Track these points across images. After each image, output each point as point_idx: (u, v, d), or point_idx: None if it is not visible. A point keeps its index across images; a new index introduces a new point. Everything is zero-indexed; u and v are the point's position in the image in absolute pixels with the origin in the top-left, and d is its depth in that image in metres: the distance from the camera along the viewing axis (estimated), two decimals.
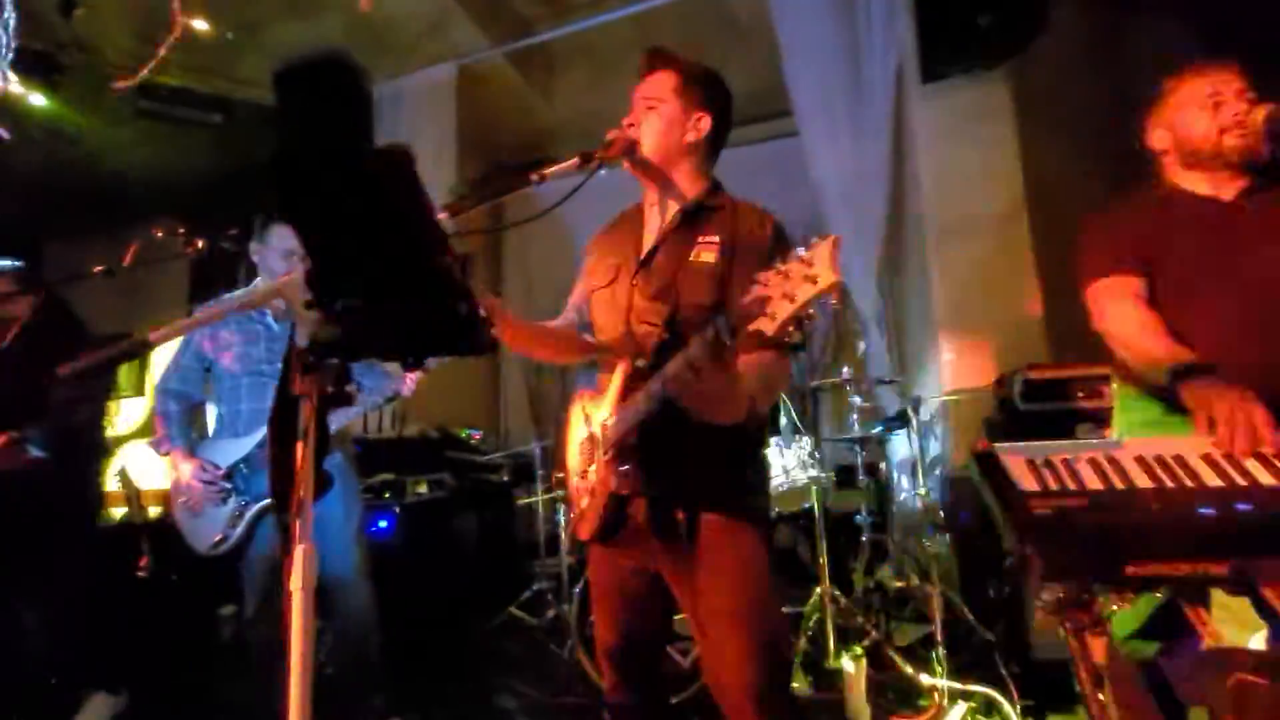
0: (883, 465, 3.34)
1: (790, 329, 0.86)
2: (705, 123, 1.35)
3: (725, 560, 1.21)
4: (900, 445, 3.49)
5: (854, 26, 3.17)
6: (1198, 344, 1.31)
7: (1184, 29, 3.32)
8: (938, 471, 3.04)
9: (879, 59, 3.13)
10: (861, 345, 3.34)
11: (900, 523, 3.13)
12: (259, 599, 2.02)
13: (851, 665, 2.30)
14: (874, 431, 3.08)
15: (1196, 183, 1.45)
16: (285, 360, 0.91)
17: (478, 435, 4.58)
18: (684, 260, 1.27)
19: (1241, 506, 1.00)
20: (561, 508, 3.36)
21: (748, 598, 1.20)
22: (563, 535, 3.30)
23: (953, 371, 2.96)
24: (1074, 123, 3.15)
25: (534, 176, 1.15)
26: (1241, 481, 1.05)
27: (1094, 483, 1.12)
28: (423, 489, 3.81)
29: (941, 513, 2.82)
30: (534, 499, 3.68)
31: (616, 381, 1.25)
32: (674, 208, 1.35)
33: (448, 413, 4.40)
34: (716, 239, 1.26)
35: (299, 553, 0.84)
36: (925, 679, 2.32)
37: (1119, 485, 1.10)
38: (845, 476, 3.26)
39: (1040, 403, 2.33)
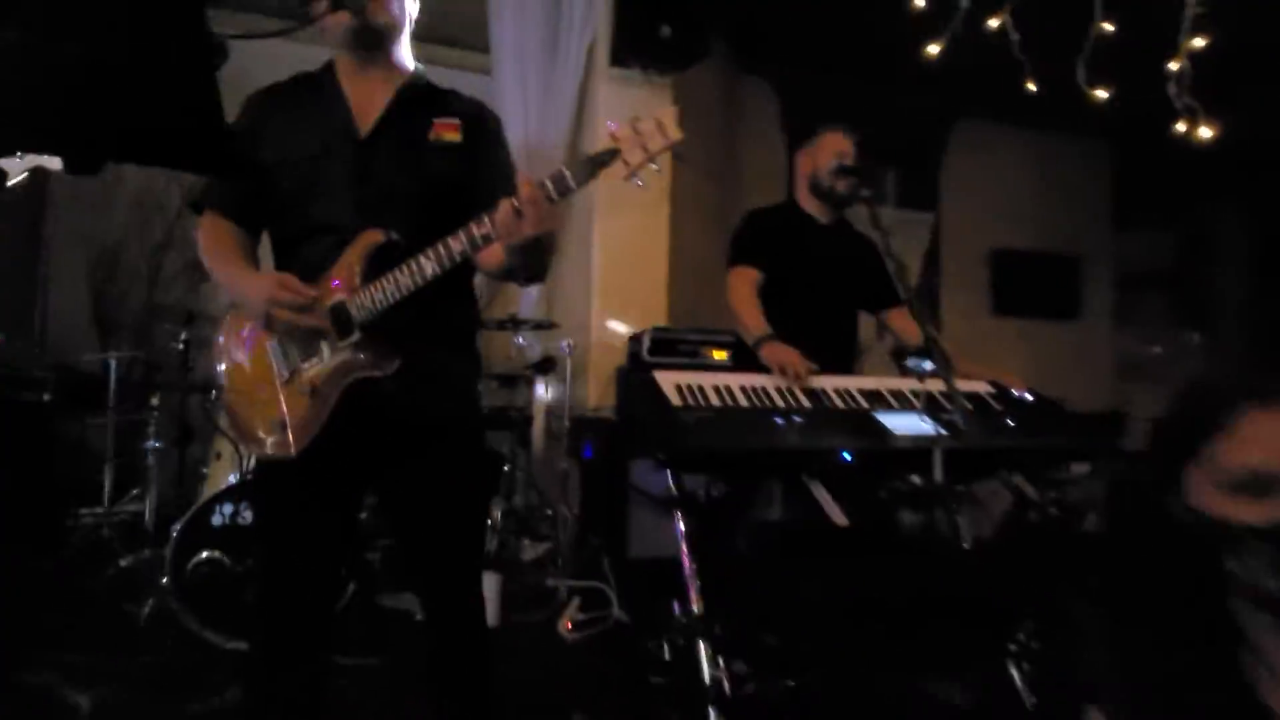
0: (527, 404, 3.64)
1: (638, 173, 1.04)
2: (417, 2, 1.34)
3: (461, 450, 1.27)
4: (539, 387, 3.87)
5: None
6: (784, 317, 1.88)
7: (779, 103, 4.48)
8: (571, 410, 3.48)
9: (576, 31, 3.35)
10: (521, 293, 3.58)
11: (538, 455, 3.48)
12: None
13: (486, 577, 2.53)
14: (525, 371, 3.38)
15: (812, 207, 2.08)
16: None
17: None
18: (423, 137, 1.26)
19: (796, 418, 1.50)
20: (154, 436, 2.73)
21: (475, 487, 1.31)
22: (151, 465, 2.70)
23: (597, 326, 3.43)
24: (708, 141, 3.93)
25: None
26: (794, 403, 1.57)
27: (715, 400, 1.52)
28: None
29: (570, 444, 3.27)
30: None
31: (353, 260, 1.16)
32: (391, 84, 1.30)
33: None
34: (456, 121, 1.29)
35: None
36: (549, 582, 2.71)
37: (731, 404, 1.53)
38: (493, 414, 3.46)
39: (662, 356, 2.90)
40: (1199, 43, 1.60)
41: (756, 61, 4.54)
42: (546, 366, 3.40)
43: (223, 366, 1.32)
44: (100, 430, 3.22)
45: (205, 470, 2.71)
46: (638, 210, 3.47)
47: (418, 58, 1.37)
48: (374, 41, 1.27)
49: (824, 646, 1.62)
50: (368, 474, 1.33)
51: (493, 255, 1.21)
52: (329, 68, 1.32)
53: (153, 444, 2.77)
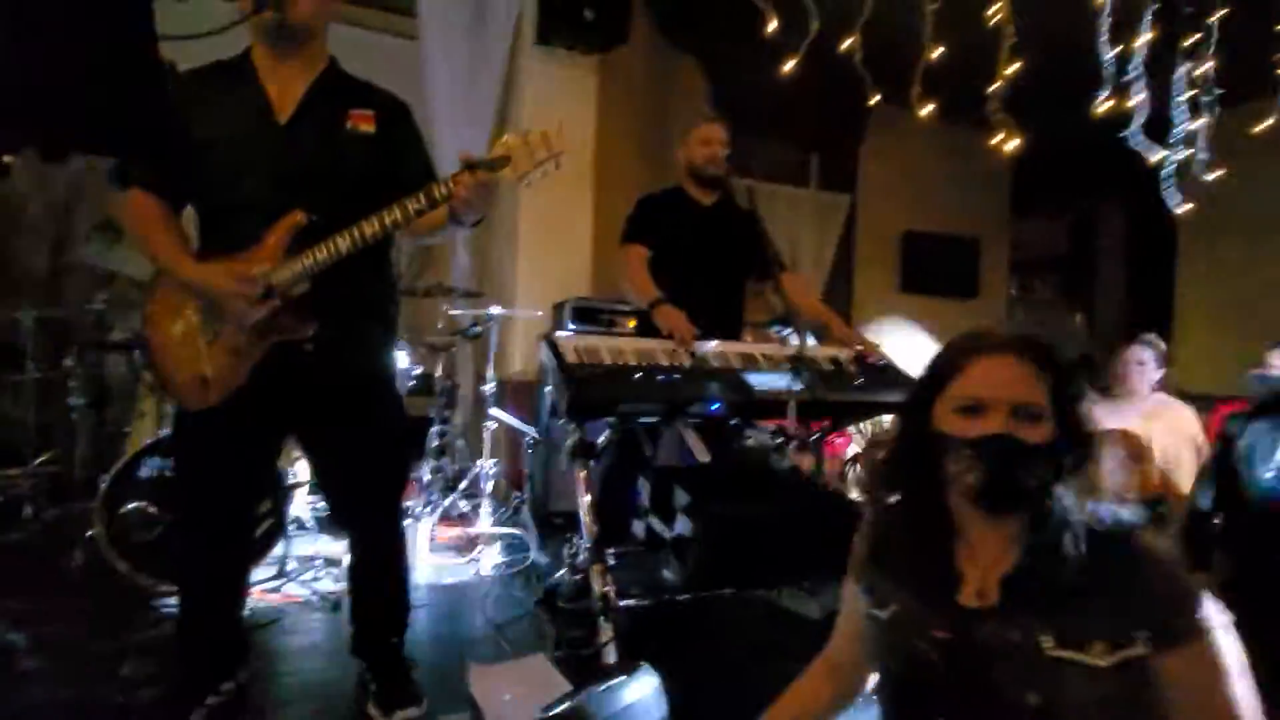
0: (455, 369, 3.80)
1: (526, 177, 1.27)
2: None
3: (377, 401, 1.46)
4: (466, 354, 4.01)
5: None
6: (673, 292, 2.11)
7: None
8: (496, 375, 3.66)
9: (502, 5, 3.44)
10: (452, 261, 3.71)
11: (465, 418, 3.66)
12: None
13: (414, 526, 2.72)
14: (453, 339, 3.52)
15: (691, 189, 2.33)
16: None
17: None
18: (339, 126, 1.39)
19: (675, 375, 1.76)
20: (75, 395, 2.76)
21: (388, 432, 1.50)
22: (74, 423, 2.73)
23: (523, 295, 3.60)
24: (635, 118, 4.10)
25: None
26: (676, 363, 1.83)
27: (608, 360, 1.76)
28: None
29: (496, 406, 3.46)
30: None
31: (277, 236, 1.32)
32: (309, 73, 1.40)
33: None
34: (371, 113, 1.42)
35: None
36: (473, 531, 2.92)
37: (620, 363, 1.77)
38: (422, 381, 3.58)
39: (582, 324, 3.12)
40: (1013, 68, 1.92)
41: (685, 42, 4.69)
42: (474, 333, 3.55)
43: (151, 327, 1.42)
44: (11, 390, 3.18)
45: (127, 430, 2.77)
46: (563, 186, 3.62)
47: (344, 18, 1.48)
48: (292, 37, 1.37)
49: (701, 568, 1.90)
50: (286, 425, 1.49)
51: (421, 224, 1.36)
52: (247, 56, 1.41)
53: (75, 402, 2.79)
